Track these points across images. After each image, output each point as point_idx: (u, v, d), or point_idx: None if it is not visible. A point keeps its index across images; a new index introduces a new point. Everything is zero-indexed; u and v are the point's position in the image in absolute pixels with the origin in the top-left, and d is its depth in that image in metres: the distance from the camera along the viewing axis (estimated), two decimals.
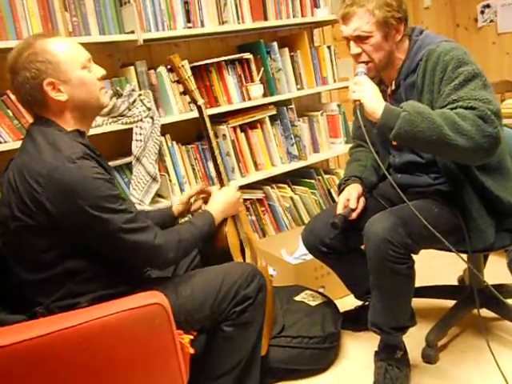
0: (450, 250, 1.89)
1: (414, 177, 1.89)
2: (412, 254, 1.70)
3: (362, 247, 1.78)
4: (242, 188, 2.54)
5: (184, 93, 1.79)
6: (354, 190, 1.91)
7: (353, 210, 1.86)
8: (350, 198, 1.88)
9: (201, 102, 1.76)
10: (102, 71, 1.51)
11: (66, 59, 1.41)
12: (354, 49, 1.75)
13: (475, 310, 1.90)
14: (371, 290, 1.77)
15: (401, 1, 1.72)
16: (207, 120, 1.77)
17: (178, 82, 1.77)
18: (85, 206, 1.32)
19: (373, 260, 1.68)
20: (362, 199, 1.92)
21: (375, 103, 1.60)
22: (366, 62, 1.74)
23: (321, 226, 1.93)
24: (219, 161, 1.80)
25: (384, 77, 1.86)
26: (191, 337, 1.45)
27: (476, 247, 1.78)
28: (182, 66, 1.72)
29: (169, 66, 1.79)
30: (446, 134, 1.51)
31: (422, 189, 1.87)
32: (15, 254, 1.42)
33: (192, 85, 1.76)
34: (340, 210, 1.86)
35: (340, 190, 1.98)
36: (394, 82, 1.83)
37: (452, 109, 1.58)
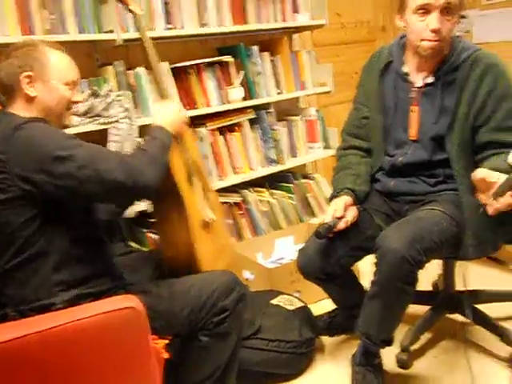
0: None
1: (409, 184, 1.86)
2: None
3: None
4: (219, 191, 2.53)
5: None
6: (340, 201, 1.83)
7: (339, 219, 1.79)
8: (337, 207, 1.81)
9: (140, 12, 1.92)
10: (79, 97, 1.56)
11: (55, 68, 1.48)
12: (437, 23, 1.62)
13: (448, 315, 1.92)
14: (369, 299, 1.71)
15: None
16: (145, 31, 1.91)
17: None
18: (49, 150, 1.35)
19: (384, 277, 1.62)
20: (354, 209, 1.84)
21: None
22: (436, 40, 1.66)
23: (319, 256, 1.84)
24: (154, 67, 1.91)
25: (422, 65, 1.78)
26: (166, 341, 1.44)
27: (474, 256, 1.77)
28: None
29: None
30: None
31: (415, 197, 1.84)
32: None
33: None
34: (328, 219, 1.79)
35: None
36: (432, 75, 1.77)
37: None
